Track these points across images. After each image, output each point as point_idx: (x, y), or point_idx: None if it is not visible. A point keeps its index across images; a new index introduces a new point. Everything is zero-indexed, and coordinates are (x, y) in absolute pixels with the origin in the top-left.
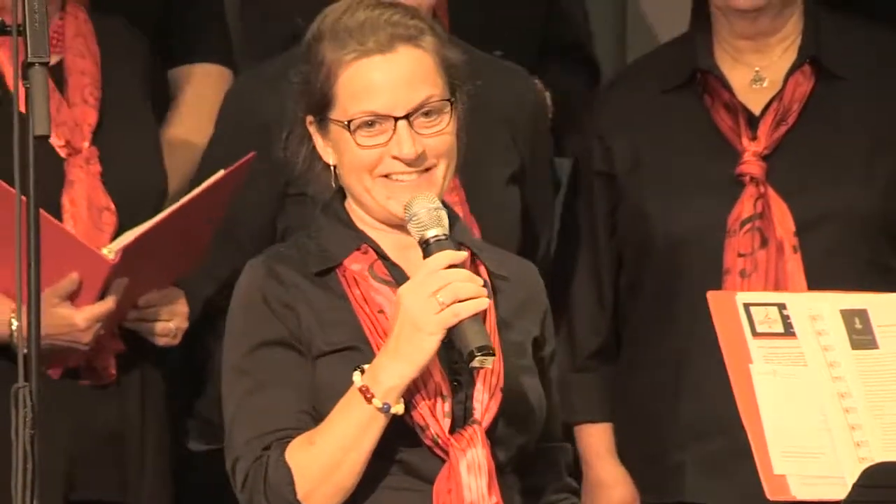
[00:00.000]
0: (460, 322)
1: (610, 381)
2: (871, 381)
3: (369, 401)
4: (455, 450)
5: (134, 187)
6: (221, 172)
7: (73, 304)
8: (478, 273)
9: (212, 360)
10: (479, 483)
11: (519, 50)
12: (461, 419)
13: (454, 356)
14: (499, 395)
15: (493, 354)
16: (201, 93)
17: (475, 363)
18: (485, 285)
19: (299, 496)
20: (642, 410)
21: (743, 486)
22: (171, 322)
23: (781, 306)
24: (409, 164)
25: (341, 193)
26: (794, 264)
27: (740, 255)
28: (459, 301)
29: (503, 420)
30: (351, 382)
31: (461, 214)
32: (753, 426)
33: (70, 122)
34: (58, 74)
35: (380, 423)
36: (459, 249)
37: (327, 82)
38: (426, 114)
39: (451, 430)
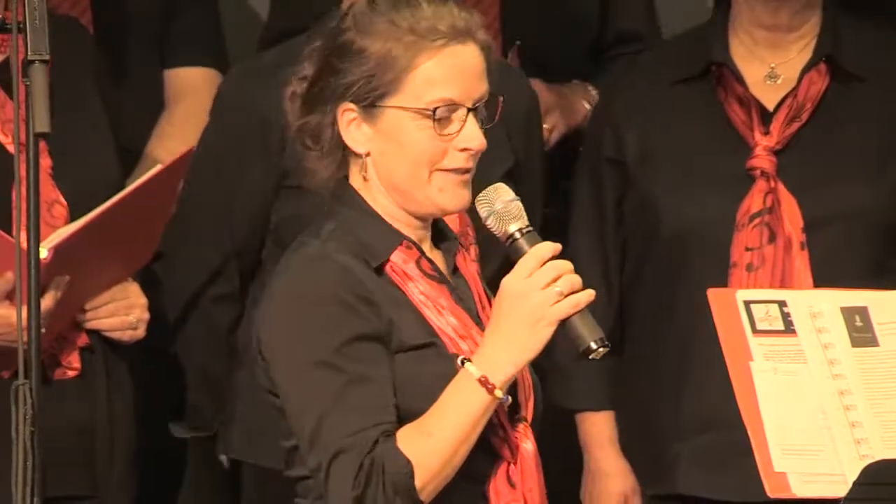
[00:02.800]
0: (573, 314)
1: (613, 369)
2: (871, 378)
3: (490, 391)
4: (524, 445)
5: (86, 181)
6: (159, 166)
7: (10, 302)
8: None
9: (199, 350)
10: (541, 480)
11: (573, 41)
12: (512, 417)
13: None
14: (533, 393)
15: (609, 345)
16: (195, 95)
17: (594, 355)
18: None
19: (417, 487)
20: (642, 401)
21: (739, 480)
22: (130, 315)
23: (782, 304)
24: (472, 156)
25: (346, 185)
26: (801, 261)
27: (748, 250)
28: (574, 292)
29: (536, 415)
30: (428, 377)
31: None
32: (753, 423)
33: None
34: (4, 72)
35: (491, 412)
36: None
37: (399, 71)
38: (476, 109)
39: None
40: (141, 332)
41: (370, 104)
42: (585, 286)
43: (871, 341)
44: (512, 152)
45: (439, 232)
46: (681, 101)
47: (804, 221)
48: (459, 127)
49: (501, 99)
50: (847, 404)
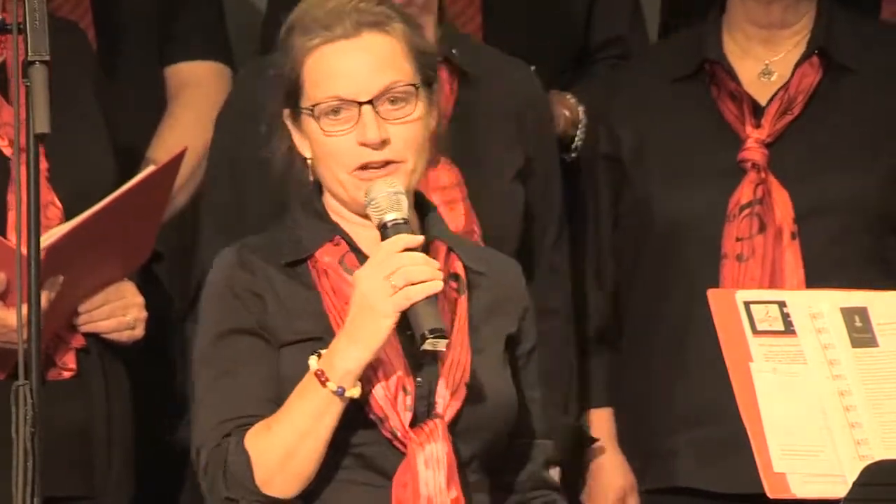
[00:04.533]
0: (414, 305)
1: (611, 365)
2: (871, 379)
3: (324, 384)
4: (413, 443)
5: (81, 183)
6: (152, 167)
7: (4, 304)
8: (453, 268)
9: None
10: (437, 477)
11: (560, 48)
12: (424, 414)
13: (419, 350)
14: (463, 390)
15: (446, 337)
16: (199, 90)
17: (427, 346)
18: (457, 279)
19: (258, 482)
20: (639, 396)
21: (736, 473)
22: (126, 316)
23: (781, 304)
24: (376, 149)
25: (319, 187)
26: (791, 251)
27: (738, 240)
28: (412, 284)
29: (467, 415)
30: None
31: (463, 210)
32: (753, 424)
33: (13, 120)
34: (1, 73)
35: (336, 408)
36: (418, 234)
37: (294, 71)
38: (393, 101)
39: (413, 425)
40: (139, 332)
41: (293, 110)
42: (584, 283)
43: (871, 342)
44: (522, 151)
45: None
46: (675, 99)
47: (795, 212)
48: (354, 122)
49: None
50: (847, 405)
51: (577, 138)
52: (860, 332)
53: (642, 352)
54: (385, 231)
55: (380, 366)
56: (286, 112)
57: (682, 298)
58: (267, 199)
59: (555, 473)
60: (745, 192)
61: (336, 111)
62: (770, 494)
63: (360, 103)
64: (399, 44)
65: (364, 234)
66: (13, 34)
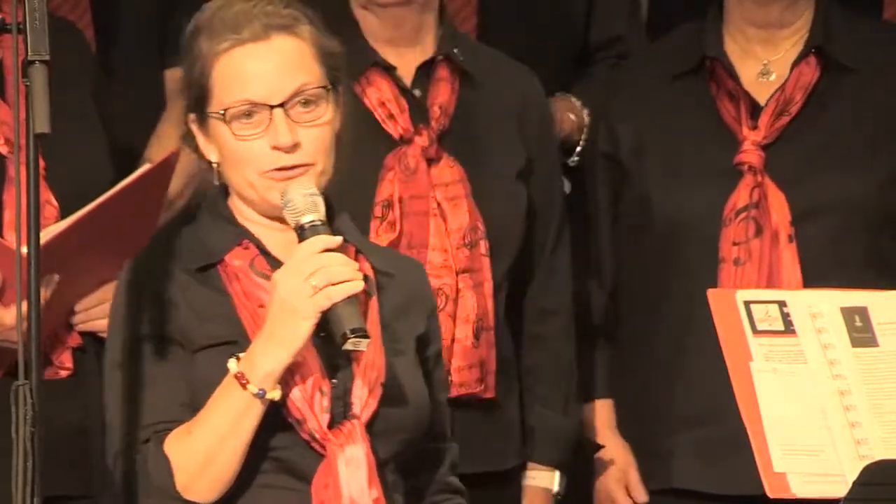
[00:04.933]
0: (334, 305)
1: (611, 358)
2: (871, 378)
3: (244, 387)
4: (332, 444)
5: (78, 183)
6: (147, 165)
7: (2, 303)
8: (362, 269)
9: None
10: (357, 477)
11: (558, 49)
12: (341, 415)
13: (334, 352)
14: (378, 390)
15: (367, 337)
16: None
17: (348, 345)
18: (367, 280)
19: (178, 487)
20: (637, 396)
21: (734, 474)
22: None
23: (782, 304)
24: (289, 152)
25: (224, 190)
26: (788, 254)
27: (735, 244)
28: (332, 284)
29: (383, 415)
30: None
31: (466, 207)
32: (753, 423)
33: (11, 119)
34: None
35: (256, 410)
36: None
37: (203, 76)
38: (304, 103)
39: (330, 426)
40: None
41: (200, 112)
42: (580, 280)
43: (871, 341)
44: (524, 150)
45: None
46: (674, 97)
47: (792, 214)
48: (266, 126)
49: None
50: (847, 404)
51: (581, 143)
52: (860, 331)
53: (641, 351)
54: (302, 233)
55: (296, 368)
56: (192, 117)
57: (680, 298)
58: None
59: (554, 477)
60: (741, 195)
61: (248, 115)
62: (770, 494)
63: (272, 107)
64: (308, 46)
65: (272, 237)
66: (13, 34)
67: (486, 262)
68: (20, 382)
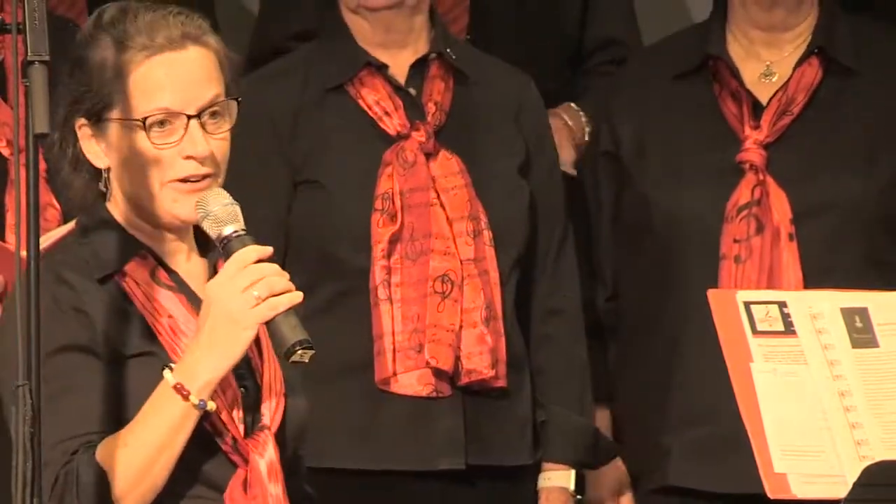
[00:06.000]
0: (275, 317)
1: (608, 362)
2: (871, 379)
3: (185, 398)
4: (255, 454)
5: None
6: None
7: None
8: None
9: None
10: (276, 490)
11: (552, 51)
12: (250, 425)
13: (240, 363)
14: (283, 401)
15: (313, 349)
16: None
17: (295, 357)
18: None
19: (114, 497)
20: (634, 394)
21: (729, 472)
22: None
23: (782, 304)
24: (201, 163)
25: (102, 197)
26: (789, 252)
27: (736, 241)
28: (274, 295)
29: (285, 425)
30: (148, 386)
31: (466, 196)
32: (754, 424)
33: (12, 120)
34: None
35: (193, 420)
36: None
37: (113, 81)
38: (213, 114)
39: (245, 436)
40: None
41: (96, 118)
42: (577, 279)
43: (872, 342)
44: (523, 147)
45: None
46: (676, 96)
47: (793, 213)
48: (181, 135)
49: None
50: (847, 405)
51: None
52: (861, 332)
53: (640, 350)
54: (228, 244)
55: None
56: (81, 121)
57: (680, 297)
58: (275, 201)
59: (570, 476)
60: (742, 193)
61: (161, 123)
62: (770, 495)
63: (189, 116)
64: (216, 57)
65: (160, 247)
66: (13, 34)
67: (491, 251)
68: (20, 382)
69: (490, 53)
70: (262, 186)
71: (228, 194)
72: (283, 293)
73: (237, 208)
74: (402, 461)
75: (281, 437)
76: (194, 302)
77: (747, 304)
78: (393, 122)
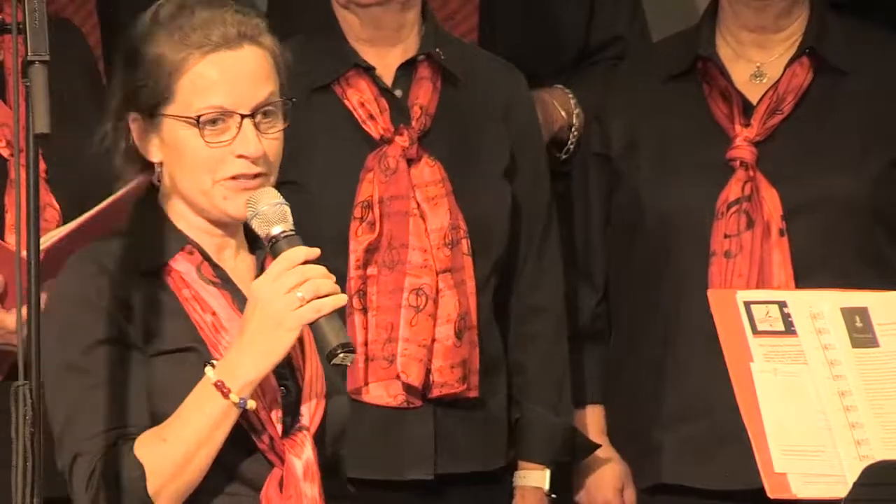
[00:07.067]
0: (318, 319)
1: (603, 362)
2: (871, 379)
3: (226, 395)
4: (291, 455)
5: (80, 185)
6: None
7: (3, 306)
8: None
9: None
10: (312, 490)
11: (559, 49)
12: (289, 424)
13: (281, 362)
14: (323, 402)
15: (355, 351)
16: None
17: (337, 360)
18: None
19: (150, 492)
20: (627, 391)
21: (722, 469)
22: None
23: (782, 304)
24: (253, 162)
25: (153, 190)
26: (779, 248)
27: (726, 237)
28: (319, 297)
29: (325, 426)
30: (188, 382)
31: (447, 206)
32: (754, 424)
33: (11, 121)
34: None
35: (232, 418)
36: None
37: (168, 78)
38: (266, 114)
39: (283, 436)
40: None
41: (150, 113)
42: (577, 280)
43: (872, 342)
44: (509, 148)
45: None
46: (666, 97)
47: (784, 209)
48: (234, 134)
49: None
50: (847, 405)
51: (570, 141)
52: (861, 332)
53: (632, 349)
54: (276, 243)
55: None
56: (134, 115)
57: (671, 296)
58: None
59: (546, 476)
60: (733, 189)
61: (214, 121)
62: (770, 494)
63: (243, 116)
64: (271, 58)
65: (208, 243)
66: (13, 34)
67: (468, 261)
68: (20, 383)
69: (498, 52)
70: None
71: (279, 194)
72: (328, 295)
73: (287, 208)
74: (370, 470)
75: (320, 438)
76: (239, 299)
77: (747, 304)
78: (377, 126)
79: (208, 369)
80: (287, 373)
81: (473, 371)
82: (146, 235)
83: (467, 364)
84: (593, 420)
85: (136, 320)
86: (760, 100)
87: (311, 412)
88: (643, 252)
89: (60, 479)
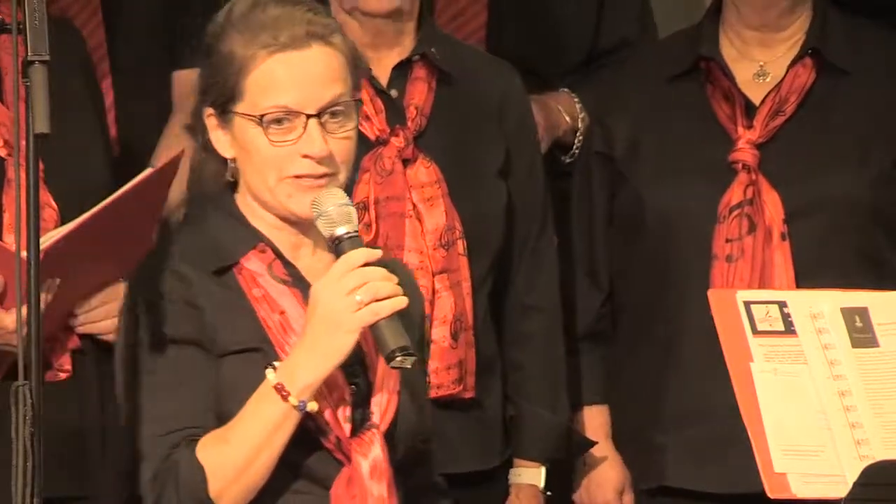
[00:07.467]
0: (378, 321)
1: (606, 363)
2: (871, 379)
3: (285, 398)
4: (357, 454)
5: (76, 184)
6: (149, 170)
7: (2, 307)
8: None
9: None
10: (380, 489)
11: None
12: (359, 422)
13: (352, 359)
14: (395, 399)
15: (414, 355)
16: None
17: (395, 363)
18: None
19: (212, 494)
20: (629, 394)
21: (726, 473)
22: None
23: (782, 304)
24: (318, 162)
25: (231, 187)
26: (781, 252)
27: (728, 241)
28: (378, 300)
29: (398, 422)
30: (254, 383)
31: (443, 208)
32: (754, 424)
33: (9, 121)
34: None
35: (293, 420)
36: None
37: (237, 75)
38: (334, 114)
39: (352, 434)
40: None
41: (222, 110)
42: (576, 280)
43: (872, 342)
44: (504, 148)
45: None
46: (669, 97)
47: (786, 212)
48: (300, 134)
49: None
50: (847, 405)
51: (575, 144)
52: (861, 332)
53: (634, 350)
54: (339, 245)
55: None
56: (209, 111)
57: (674, 298)
58: None
59: (541, 473)
60: (735, 193)
61: (279, 121)
62: (770, 494)
63: (308, 116)
64: (342, 57)
65: (282, 239)
66: (13, 34)
67: (464, 261)
68: (20, 383)
69: (505, 51)
70: None
71: (345, 194)
72: (386, 298)
73: (351, 209)
74: None
75: (392, 435)
76: (305, 297)
77: (747, 304)
78: (373, 127)
79: (269, 372)
80: (358, 370)
81: (470, 372)
82: (218, 233)
83: (464, 365)
84: (598, 420)
85: (206, 320)
86: (763, 101)
87: (381, 410)
88: (645, 253)
89: (61, 478)
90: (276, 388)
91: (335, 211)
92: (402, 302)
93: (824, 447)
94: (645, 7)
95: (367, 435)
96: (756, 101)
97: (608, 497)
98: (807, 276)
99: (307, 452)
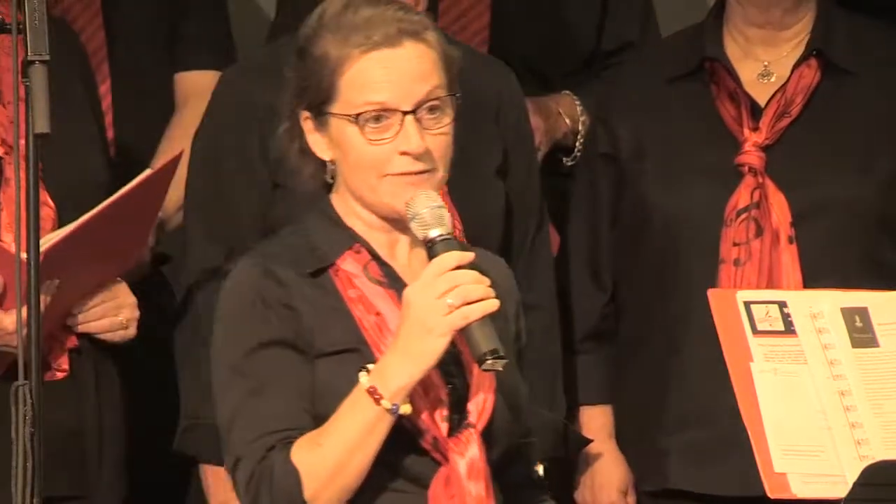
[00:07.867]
0: (469, 324)
1: (609, 363)
2: (871, 379)
3: (378, 402)
4: (454, 454)
5: (74, 183)
6: (148, 171)
7: (1, 308)
8: None
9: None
10: (478, 488)
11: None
12: (456, 422)
13: (449, 359)
14: (492, 398)
15: (505, 358)
16: (203, 100)
17: (486, 366)
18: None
19: (306, 497)
20: (633, 396)
21: (729, 475)
22: (119, 316)
23: (782, 304)
24: (416, 159)
25: (327, 189)
26: (788, 255)
27: (735, 245)
28: (469, 303)
29: (495, 421)
30: (351, 384)
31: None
32: (754, 424)
33: (6, 120)
34: None
35: (387, 423)
36: (465, 249)
37: (331, 76)
38: (430, 110)
39: (449, 434)
40: (132, 332)
41: (318, 112)
42: (575, 279)
43: (872, 342)
44: (502, 147)
45: None
46: (674, 98)
47: (792, 215)
48: (397, 131)
49: (458, 95)
50: (847, 405)
51: (576, 147)
52: (861, 332)
53: (638, 352)
54: (433, 247)
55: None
56: (305, 114)
57: (678, 299)
58: (255, 199)
59: (538, 471)
60: (742, 196)
61: (376, 119)
62: (770, 494)
63: (404, 112)
64: (435, 53)
65: (380, 240)
66: (13, 34)
67: None
68: (20, 383)
69: (508, 52)
70: (241, 187)
71: (438, 196)
72: (477, 301)
73: (444, 211)
74: None
75: (489, 434)
76: (400, 297)
77: (747, 304)
78: None
79: (362, 375)
80: (454, 370)
81: None
82: (314, 235)
83: None
84: (601, 420)
85: (301, 322)
86: (769, 102)
87: (478, 409)
88: (649, 255)
89: (59, 478)
90: (368, 391)
91: (428, 213)
92: (493, 305)
93: (824, 447)
94: (648, 8)
95: (464, 434)
96: (761, 101)
97: (612, 497)
98: (814, 280)
99: (405, 452)
